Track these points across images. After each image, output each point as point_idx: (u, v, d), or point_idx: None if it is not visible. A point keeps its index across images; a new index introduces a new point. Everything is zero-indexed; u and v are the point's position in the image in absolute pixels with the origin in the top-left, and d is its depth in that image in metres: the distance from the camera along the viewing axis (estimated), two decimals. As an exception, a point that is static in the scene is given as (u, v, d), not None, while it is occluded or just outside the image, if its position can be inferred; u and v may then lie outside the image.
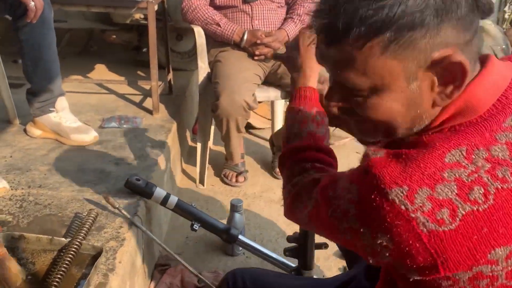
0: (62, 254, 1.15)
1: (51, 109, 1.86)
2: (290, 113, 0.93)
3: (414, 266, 0.57)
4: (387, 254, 0.58)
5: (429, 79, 0.58)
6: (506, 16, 5.89)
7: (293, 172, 0.84)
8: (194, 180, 2.28)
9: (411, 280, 0.60)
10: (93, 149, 1.86)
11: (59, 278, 1.07)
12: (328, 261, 1.77)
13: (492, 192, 0.54)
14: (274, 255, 1.57)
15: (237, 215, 1.71)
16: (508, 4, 5.99)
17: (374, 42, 0.56)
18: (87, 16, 3.00)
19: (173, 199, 1.53)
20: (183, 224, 1.87)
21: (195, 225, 1.54)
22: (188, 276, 1.56)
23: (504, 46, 3.63)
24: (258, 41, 2.07)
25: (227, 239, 1.57)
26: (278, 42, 2.12)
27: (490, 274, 0.56)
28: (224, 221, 1.72)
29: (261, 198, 2.17)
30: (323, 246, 1.38)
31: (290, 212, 0.84)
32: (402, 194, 0.54)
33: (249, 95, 1.97)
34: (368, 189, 0.57)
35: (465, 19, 0.56)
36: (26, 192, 1.50)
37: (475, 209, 0.54)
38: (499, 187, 0.54)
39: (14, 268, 1.07)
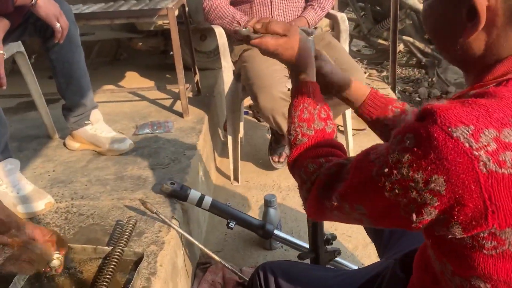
0: (106, 261, 1.22)
1: (86, 122, 1.95)
2: (294, 111, 0.90)
3: (461, 218, 0.56)
4: (435, 205, 0.57)
5: (463, 9, 0.61)
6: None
7: (308, 170, 0.81)
8: (228, 177, 2.33)
9: (449, 244, 0.60)
10: (129, 156, 1.93)
11: (105, 285, 1.13)
12: (367, 249, 1.77)
13: None
14: (310, 247, 1.59)
15: (271, 210, 1.74)
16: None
17: None
18: (113, 26, 3.08)
19: (208, 200, 1.58)
20: (221, 222, 1.92)
21: (231, 223, 1.58)
22: (229, 273, 1.61)
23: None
24: (279, 36, 2.07)
25: (263, 234, 1.60)
26: (299, 33, 2.11)
27: None
28: (260, 217, 1.76)
29: (296, 190, 2.18)
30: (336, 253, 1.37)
31: (316, 207, 0.77)
32: (467, 133, 0.54)
33: (283, 86, 1.97)
34: (430, 129, 0.56)
35: None
36: (69, 204, 1.58)
37: None
38: None
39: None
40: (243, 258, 1.77)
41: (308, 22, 2.16)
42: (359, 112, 1.05)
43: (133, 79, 3.15)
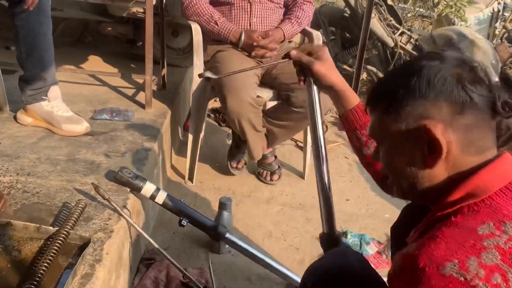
0: (49, 243, 1.14)
1: (43, 97, 1.84)
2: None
3: None
4: None
5: (420, 143, 0.71)
6: (497, 32, 5.99)
7: None
8: (183, 177, 2.28)
9: None
10: (84, 139, 1.85)
11: (45, 266, 1.06)
12: (313, 263, 1.78)
13: None
14: (260, 255, 1.58)
15: (225, 213, 1.72)
16: (499, 20, 6.10)
17: (379, 107, 0.77)
18: (83, 6, 2.98)
19: (163, 194, 1.54)
20: (170, 220, 1.87)
21: (183, 221, 1.54)
22: (174, 271, 1.56)
23: (493, 61, 3.70)
24: (255, 44, 2.08)
25: (214, 236, 1.57)
26: (274, 43, 2.13)
27: None
28: (212, 219, 1.73)
29: (250, 197, 2.18)
30: None
31: None
32: (455, 267, 0.58)
33: (253, 92, 1.97)
34: (424, 280, 0.59)
35: (469, 107, 0.68)
36: (14, 179, 1.48)
37: None
38: None
39: None
40: (188, 259, 1.73)
41: (284, 34, 2.18)
42: (344, 116, 1.13)
43: (95, 64, 3.04)
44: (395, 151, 0.76)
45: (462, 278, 0.57)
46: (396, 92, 0.73)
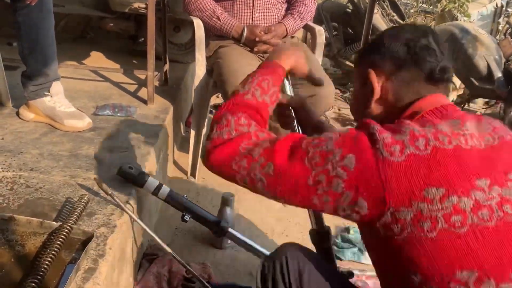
0: (52, 237, 1.15)
1: (45, 93, 1.84)
2: (260, 75, 1.04)
3: (365, 196, 0.78)
4: (344, 178, 0.79)
5: (370, 87, 0.96)
6: (500, 27, 5.96)
7: (240, 121, 0.92)
8: (185, 172, 2.28)
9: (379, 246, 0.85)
10: (86, 135, 1.85)
11: (48, 261, 1.06)
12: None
13: (431, 145, 0.79)
14: (263, 250, 1.58)
15: (227, 209, 1.72)
16: (502, 16, 6.07)
17: (356, 61, 1.06)
18: (85, 2, 2.97)
19: (165, 189, 1.54)
20: (173, 215, 1.87)
21: (186, 216, 1.54)
22: (176, 266, 1.57)
23: (497, 57, 3.68)
24: (257, 39, 2.07)
25: (217, 231, 1.57)
26: (277, 38, 2.12)
27: (429, 215, 0.76)
28: (215, 215, 1.73)
29: (252, 193, 2.17)
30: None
31: (228, 154, 0.89)
32: (375, 129, 0.82)
33: None
34: (362, 131, 0.84)
35: (407, 66, 0.92)
36: (17, 175, 1.49)
37: (417, 153, 0.78)
38: (436, 145, 0.79)
39: None
40: (191, 254, 1.73)
41: (287, 29, 2.17)
42: None
43: (97, 60, 3.04)
44: (356, 90, 1.04)
45: (374, 138, 0.80)
46: (364, 50, 1.03)
